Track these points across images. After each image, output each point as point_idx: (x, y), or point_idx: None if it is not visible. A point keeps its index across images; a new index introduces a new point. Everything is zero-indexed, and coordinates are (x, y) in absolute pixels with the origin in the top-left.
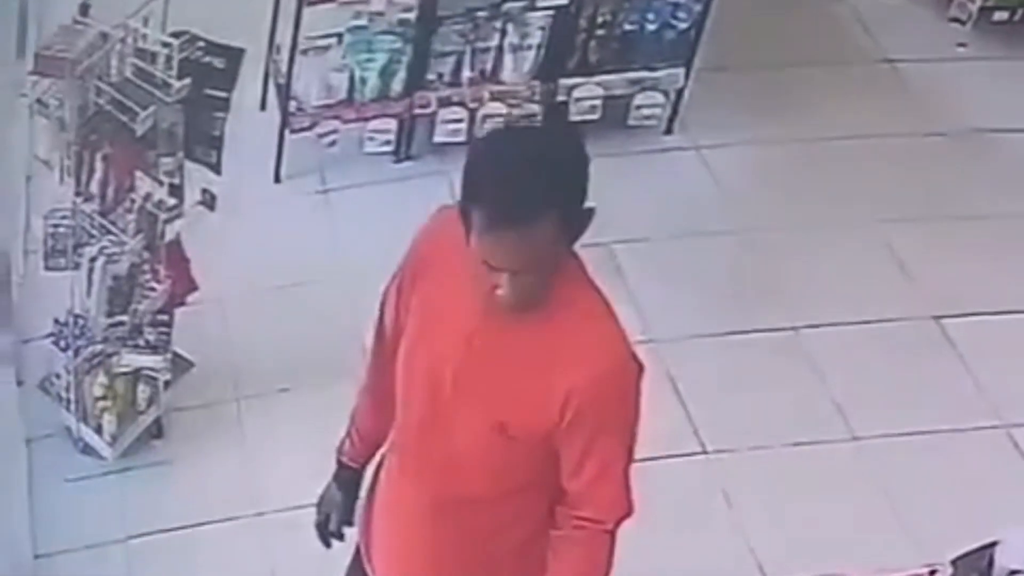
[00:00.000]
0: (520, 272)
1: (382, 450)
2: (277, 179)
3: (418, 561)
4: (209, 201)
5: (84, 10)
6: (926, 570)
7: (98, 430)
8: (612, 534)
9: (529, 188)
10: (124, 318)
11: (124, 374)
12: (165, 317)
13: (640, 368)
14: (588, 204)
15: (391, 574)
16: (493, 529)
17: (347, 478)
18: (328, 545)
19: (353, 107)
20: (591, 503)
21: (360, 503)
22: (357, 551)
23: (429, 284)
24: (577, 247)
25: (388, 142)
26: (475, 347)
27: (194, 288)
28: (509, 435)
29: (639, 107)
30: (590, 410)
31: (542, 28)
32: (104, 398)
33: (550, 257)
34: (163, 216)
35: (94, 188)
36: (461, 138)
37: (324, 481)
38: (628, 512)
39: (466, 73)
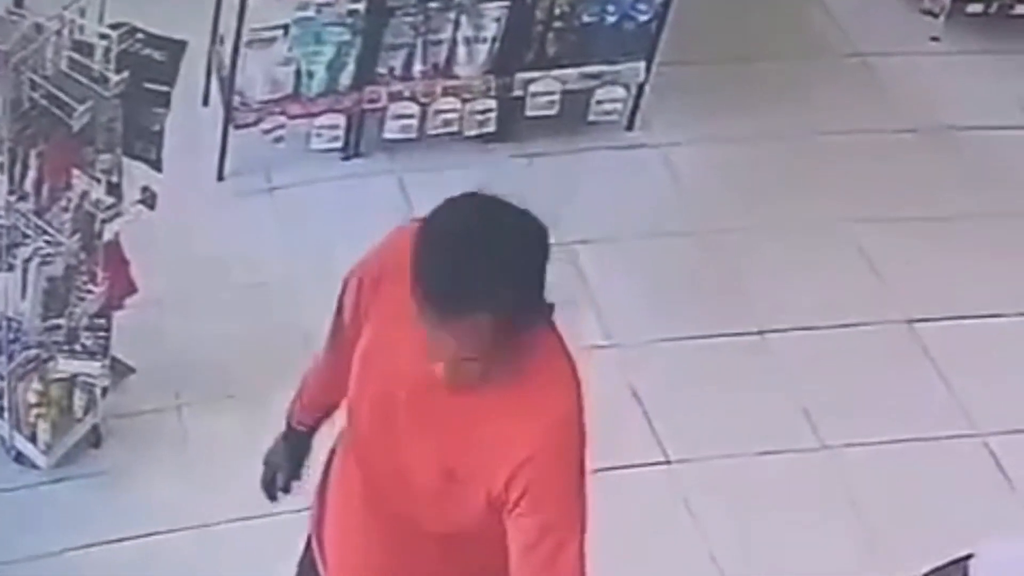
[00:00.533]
0: (456, 359)
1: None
2: (220, 177)
3: (357, 557)
4: (149, 200)
5: (18, 1)
6: None
7: (32, 438)
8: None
9: (467, 287)
10: (60, 322)
11: (60, 380)
12: (103, 321)
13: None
14: (543, 299)
15: (342, 568)
16: (438, 554)
17: (295, 440)
18: (273, 499)
19: (300, 102)
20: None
21: (311, 491)
22: (308, 545)
23: (390, 299)
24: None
25: (336, 138)
26: (434, 381)
27: (133, 290)
28: (458, 481)
29: (599, 102)
30: (538, 492)
31: (497, 20)
32: (39, 405)
33: (489, 351)
34: (101, 215)
35: (28, 186)
36: (412, 134)
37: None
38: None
39: (418, 67)
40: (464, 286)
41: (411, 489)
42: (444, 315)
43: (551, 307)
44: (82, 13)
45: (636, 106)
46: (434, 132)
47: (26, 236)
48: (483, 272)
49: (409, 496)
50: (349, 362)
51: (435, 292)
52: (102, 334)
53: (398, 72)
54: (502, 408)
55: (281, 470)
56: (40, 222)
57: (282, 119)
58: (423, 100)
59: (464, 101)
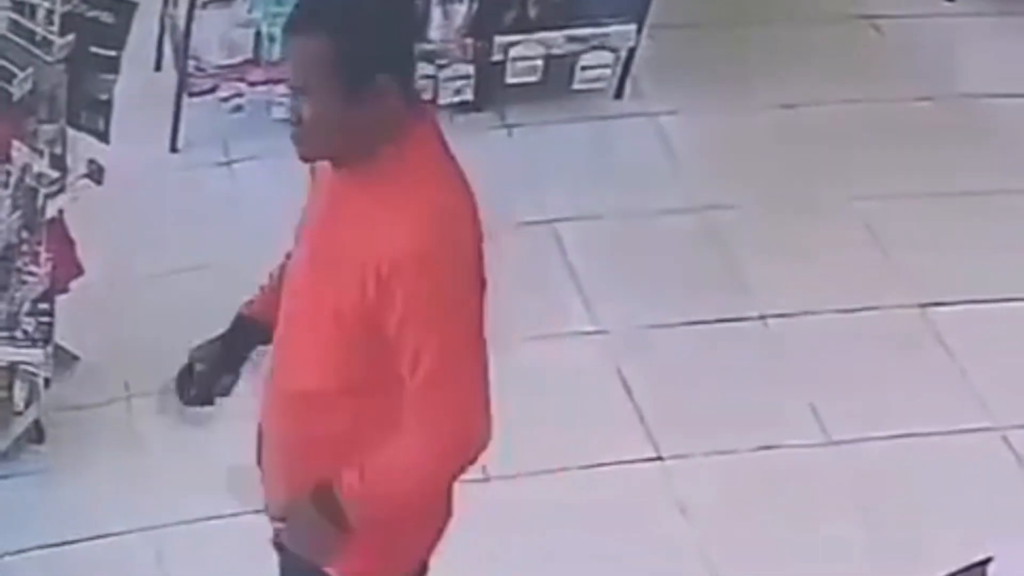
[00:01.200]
0: (299, 92)
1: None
2: (174, 148)
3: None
4: (96, 174)
5: None
6: None
7: None
8: (437, 448)
9: (303, 5)
10: None
11: None
12: (46, 306)
13: (479, 270)
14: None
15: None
16: (324, 427)
17: (235, 329)
18: (183, 398)
19: (260, 68)
20: (416, 407)
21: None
22: None
23: (315, 184)
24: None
25: None
26: (324, 227)
27: (79, 272)
28: (345, 322)
29: (585, 68)
30: (403, 290)
31: None
32: None
33: (323, 83)
34: (44, 191)
35: None
36: None
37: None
38: (460, 435)
39: None
40: (302, 5)
41: (301, 359)
42: (284, 35)
43: (413, 91)
44: None
45: (625, 73)
46: None
47: None
48: None
49: (298, 369)
50: None
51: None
52: (45, 320)
53: None
54: (368, 220)
55: (205, 364)
56: None
57: (241, 86)
58: None
59: (439, 67)
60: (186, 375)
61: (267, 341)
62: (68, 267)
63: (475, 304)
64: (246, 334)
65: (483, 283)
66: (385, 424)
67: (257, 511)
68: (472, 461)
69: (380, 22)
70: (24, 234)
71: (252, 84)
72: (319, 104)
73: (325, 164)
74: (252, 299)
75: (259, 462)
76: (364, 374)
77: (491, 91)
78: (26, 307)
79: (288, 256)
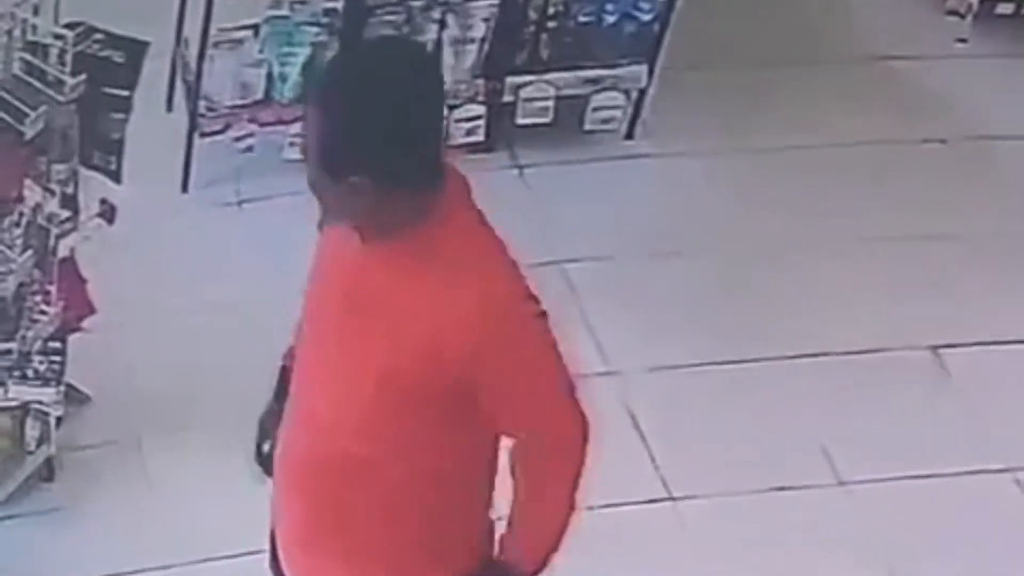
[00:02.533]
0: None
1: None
2: (185, 189)
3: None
4: (108, 213)
5: None
6: None
7: None
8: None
9: (336, 147)
10: (11, 346)
11: (10, 409)
12: (58, 344)
13: (536, 308)
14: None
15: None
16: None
17: (284, 382)
18: (269, 472)
19: (271, 108)
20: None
21: None
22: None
23: (327, 243)
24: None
25: None
26: (360, 292)
27: (91, 311)
28: (393, 387)
29: (596, 109)
30: (487, 360)
31: (486, 20)
32: None
33: (365, 212)
34: (55, 230)
35: None
36: None
37: (243, 527)
38: (571, 426)
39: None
40: (334, 146)
41: (328, 424)
42: (318, 172)
43: (442, 164)
44: (35, 11)
45: (637, 114)
46: None
47: None
48: (354, 136)
49: (323, 434)
50: None
51: (312, 146)
52: (56, 359)
53: None
54: (427, 286)
55: (269, 436)
56: None
57: (252, 126)
58: None
59: (450, 107)
60: (258, 445)
61: None
62: (80, 306)
63: (546, 329)
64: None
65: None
66: (441, 486)
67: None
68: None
69: (419, 134)
70: (36, 273)
71: (263, 124)
72: (361, 220)
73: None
74: (290, 349)
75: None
76: (413, 438)
77: (502, 131)
78: (37, 346)
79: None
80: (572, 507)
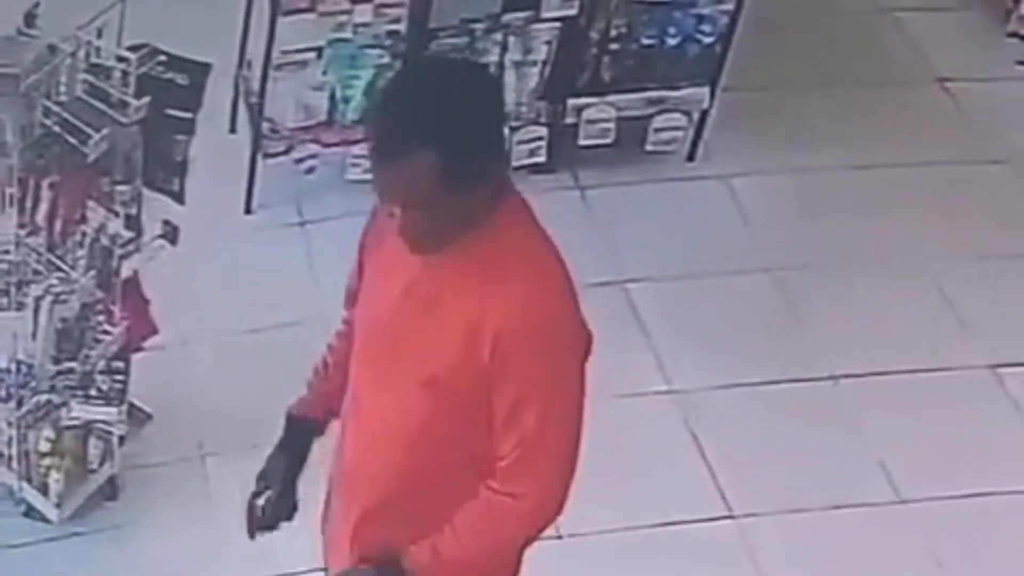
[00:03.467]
0: (402, 207)
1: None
2: (248, 210)
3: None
4: (171, 234)
5: (30, 20)
6: None
7: (44, 490)
8: (519, 515)
9: (400, 124)
10: (74, 365)
11: (73, 428)
12: (120, 364)
13: (586, 338)
14: (494, 152)
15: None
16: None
17: (291, 433)
18: (252, 534)
19: (334, 129)
20: (504, 476)
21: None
22: None
23: (377, 257)
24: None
25: None
26: (410, 298)
27: (153, 331)
28: (438, 392)
29: (658, 130)
30: (517, 360)
31: (548, 42)
32: (51, 454)
33: (432, 196)
34: (118, 251)
35: (40, 220)
36: None
37: (304, 545)
38: (544, 504)
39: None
40: (398, 124)
41: (381, 436)
42: (381, 156)
43: (504, 166)
44: (99, 34)
45: (698, 135)
46: None
47: (38, 273)
48: (419, 113)
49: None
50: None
51: (376, 132)
52: (119, 378)
53: None
54: (476, 291)
55: (274, 484)
56: (53, 258)
57: (315, 148)
58: None
59: (512, 129)
60: (252, 503)
61: (321, 434)
62: (142, 326)
63: (581, 371)
64: (301, 434)
65: (589, 343)
66: (463, 492)
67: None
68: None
69: (480, 122)
70: (99, 293)
71: (326, 145)
72: (427, 211)
73: (385, 235)
74: (300, 398)
75: (322, 530)
76: (450, 446)
77: (564, 153)
78: (101, 366)
79: (331, 346)
80: (495, 562)
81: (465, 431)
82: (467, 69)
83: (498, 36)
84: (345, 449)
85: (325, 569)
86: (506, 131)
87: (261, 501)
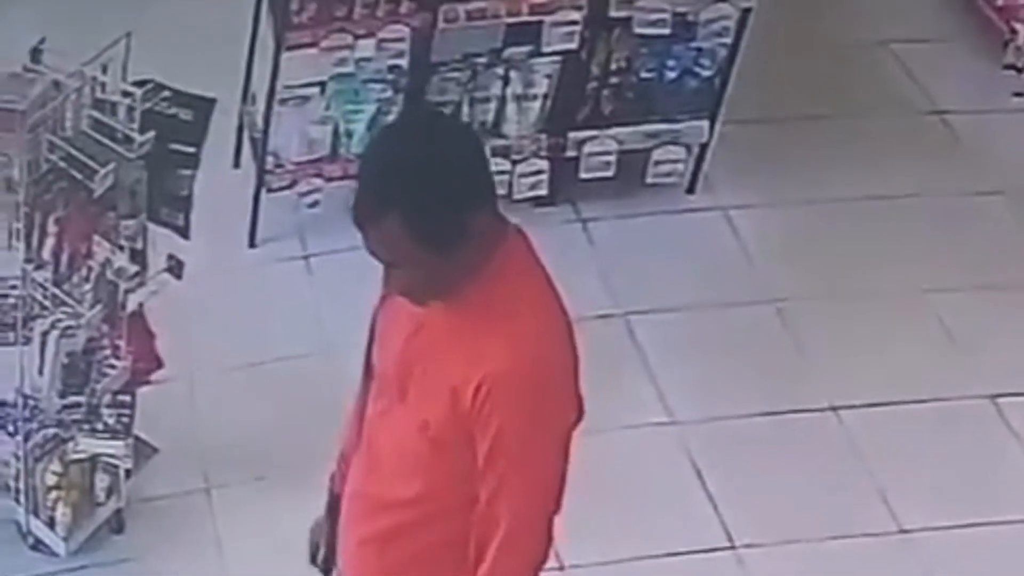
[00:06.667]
0: (388, 266)
1: None
2: (252, 244)
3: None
4: (176, 268)
5: (36, 56)
6: None
7: (51, 523)
8: (499, 548)
9: (368, 188)
10: (80, 399)
11: (80, 461)
12: (126, 398)
13: (575, 398)
14: (462, 207)
15: None
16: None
17: (332, 509)
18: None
19: (337, 163)
20: (481, 516)
21: None
22: None
23: (386, 306)
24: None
25: None
26: (415, 341)
27: (159, 365)
28: (430, 436)
29: (658, 163)
30: (497, 401)
31: (549, 76)
32: (57, 488)
33: (407, 255)
34: (124, 285)
35: (46, 254)
36: None
37: None
38: (519, 537)
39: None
40: (366, 188)
41: (385, 467)
42: (356, 220)
43: (499, 221)
44: (104, 70)
45: (698, 167)
46: None
47: (44, 308)
48: (387, 175)
49: (381, 476)
50: None
51: (356, 195)
52: (125, 412)
53: None
54: (469, 337)
55: (323, 544)
56: (59, 292)
57: (318, 182)
58: None
59: (514, 162)
60: (314, 556)
61: None
62: (148, 360)
63: (567, 423)
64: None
65: (580, 402)
66: (454, 537)
67: None
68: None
69: (446, 180)
70: (105, 328)
71: (329, 180)
72: (412, 269)
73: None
74: (335, 472)
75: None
76: (442, 487)
77: (565, 186)
78: (107, 399)
79: (357, 404)
80: None
81: (454, 472)
82: (441, 128)
83: (499, 70)
84: (349, 476)
85: None
86: (490, 184)
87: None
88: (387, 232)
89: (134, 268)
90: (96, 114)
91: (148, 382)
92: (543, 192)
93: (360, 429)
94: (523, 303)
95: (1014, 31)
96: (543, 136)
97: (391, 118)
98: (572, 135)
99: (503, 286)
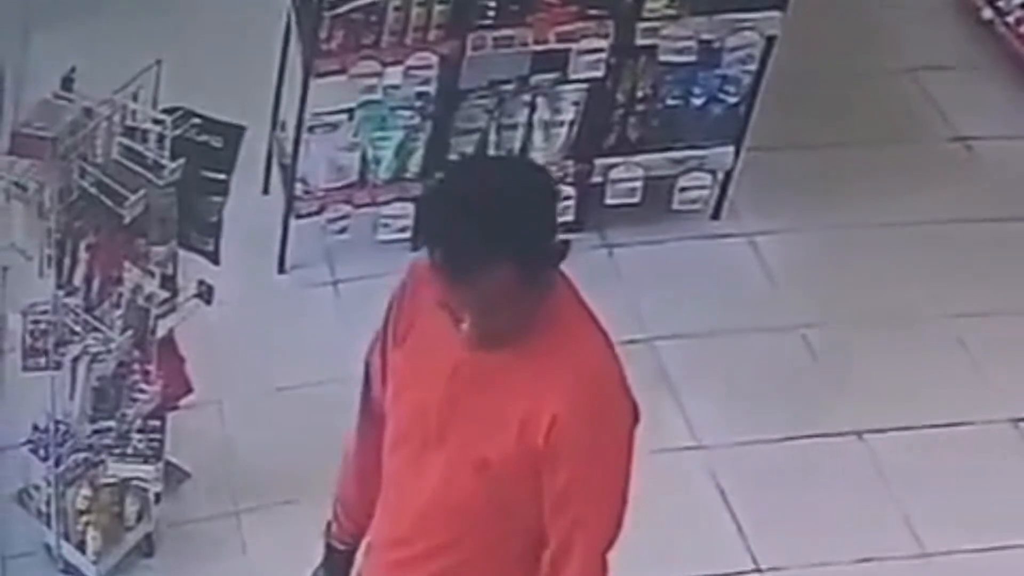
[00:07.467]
0: (478, 316)
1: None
2: (281, 269)
3: None
4: (206, 294)
5: (67, 84)
6: None
7: (81, 547)
8: None
9: (472, 241)
10: (111, 423)
11: (110, 485)
12: (157, 422)
13: (633, 410)
14: (558, 238)
15: None
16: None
17: (333, 563)
18: None
19: (366, 190)
20: (552, 559)
21: None
22: None
23: (414, 335)
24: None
25: (404, 228)
26: (459, 380)
27: (189, 390)
28: (491, 474)
29: (684, 189)
30: (569, 446)
31: (575, 103)
32: (88, 512)
33: (509, 301)
34: (154, 311)
35: (78, 280)
36: None
37: None
38: None
39: (491, 152)
40: (469, 241)
41: (432, 515)
42: (456, 273)
43: (562, 248)
44: (134, 97)
45: (723, 194)
46: None
47: (75, 333)
48: (487, 225)
49: (428, 526)
50: (378, 450)
51: (445, 250)
52: (155, 436)
53: None
54: (531, 373)
55: None
56: (90, 318)
57: (347, 208)
58: None
59: None
60: None
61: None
62: (178, 385)
63: (630, 443)
64: (341, 562)
65: (635, 405)
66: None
67: None
68: None
69: (544, 219)
70: (135, 353)
71: (358, 206)
72: (503, 316)
73: (417, 316)
74: (331, 526)
75: None
76: (484, 525)
77: (591, 212)
78: (137, 424)
79: (354, 452)
80: None
81: (511, 510)
82: (516, 169)
83: (527, 97)
84: (374, 526)
85: None
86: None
87: None
88: (498, 280)
89: (164, 294)
90: (127, 141)
91: (178, 407)
92: (569, 218)
93: (363, 479)
94: (579, 338)
95: None
96: (569, 163)
97: (420, 151)
98: (598, 162)
99: (559, 321)
